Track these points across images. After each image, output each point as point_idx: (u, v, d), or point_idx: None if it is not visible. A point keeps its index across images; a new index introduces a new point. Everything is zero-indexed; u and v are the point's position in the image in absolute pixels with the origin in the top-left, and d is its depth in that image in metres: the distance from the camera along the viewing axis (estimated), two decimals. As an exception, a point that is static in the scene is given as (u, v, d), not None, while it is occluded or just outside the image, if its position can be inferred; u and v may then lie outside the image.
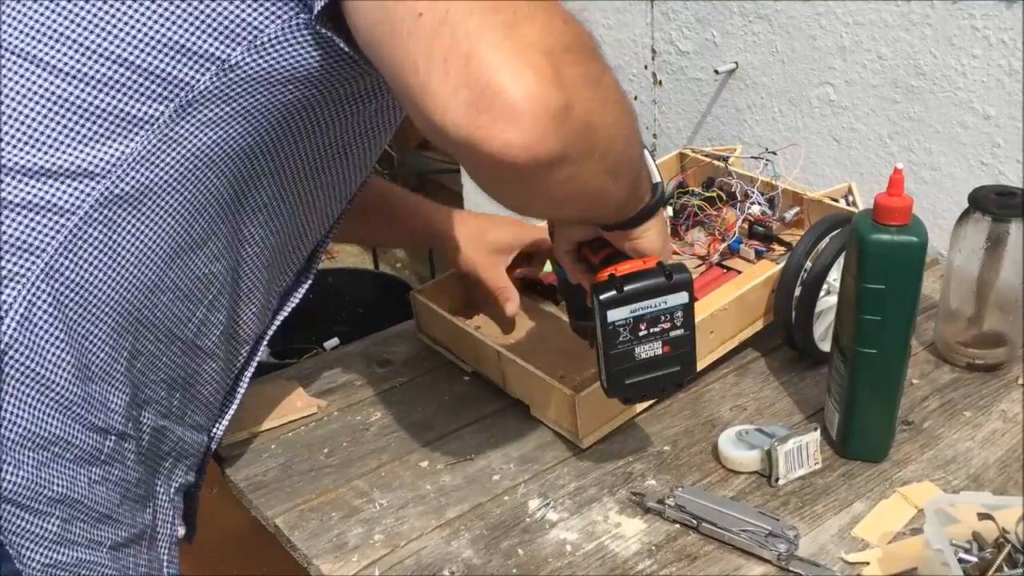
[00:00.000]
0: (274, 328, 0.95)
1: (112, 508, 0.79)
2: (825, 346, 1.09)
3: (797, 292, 1.08)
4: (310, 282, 0.95)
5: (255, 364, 0.96)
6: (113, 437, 0.78)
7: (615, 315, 0.84)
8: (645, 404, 1.06)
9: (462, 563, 0.89)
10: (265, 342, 0.95)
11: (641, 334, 0.86)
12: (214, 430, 0.94)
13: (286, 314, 0.95)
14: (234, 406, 0.95)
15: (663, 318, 0.86)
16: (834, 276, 1.06)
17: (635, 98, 1.76)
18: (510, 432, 1.05)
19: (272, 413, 1.09)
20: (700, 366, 1.09)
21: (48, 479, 0.73)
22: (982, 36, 1.25)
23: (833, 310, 1.06)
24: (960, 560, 0.77)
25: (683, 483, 0.96)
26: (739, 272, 1.18)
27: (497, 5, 0.60)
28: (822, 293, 1.07)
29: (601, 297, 0.84)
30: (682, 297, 0.86)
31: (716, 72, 1.58)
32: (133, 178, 0.72)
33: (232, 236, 0.81)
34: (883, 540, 0.89)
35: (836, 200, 1.21)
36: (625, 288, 0.83)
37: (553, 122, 0.60)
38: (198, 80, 0.69)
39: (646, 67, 1.72)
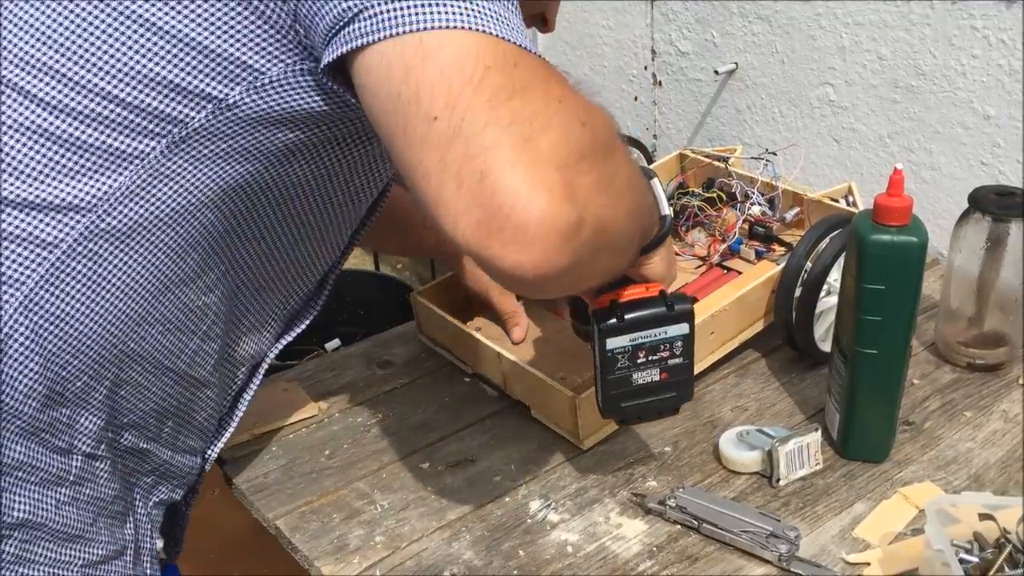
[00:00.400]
0: (276, 351, 0.94)
1: (84, 528, 0.78)
2: (826, 347, 1.09)
3: (797, 293, 1.08)
4: (319, 308, 0.94)
5: (255, 386, 0.95)
6: (79, 457, 0.77)
7: (614, 343, 0.84)
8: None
9: (463, 564, 0.89)
10: (266, 365, 0.94)
11: (639, 361, 0.85)
12: (208, 452, 0.94)
13: (291, 338, 0.94)
14: (231, 430, 0.94)
15: (662, 347, 0.85)
16: (834, 276, 1.06)
17: (635, 99, 1.77)
18: (511, 433, 1.05)
19: (273, 415, 1.09)
20: (701, 367, 1.10)
21: (10, 504, 0.72)
22: (982, 36, 1.25)
23: (833, 310, 1.06)
24: (961, 560, 0.77)
25: (684, 484, 0.96)
26: (739, 273, 1.19)
27: (514, 116, 0.59)
28: (822, 293, 1.07)
29: (601, 325, 0.83)
30: (683, 328, 0.85)
31: (716, 73, 1.58)
32: (121, 212, 0.70)
33: (227, 268, 0.80)
34: (884, 540, 0.89)
35: (836, 200, 1.21)
36: (626, 317, 0.83)
37: (564, 241, 0.59)
38: (192, 118, 0.68)
39: (646, 68, 1.72)
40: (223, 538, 1.28)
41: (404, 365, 1.19)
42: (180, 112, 0.68)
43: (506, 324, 1.15)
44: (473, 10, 0.60)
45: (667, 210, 0.83)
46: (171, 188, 0.71)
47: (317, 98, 0.69)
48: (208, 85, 0.67)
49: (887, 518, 0.91)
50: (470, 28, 0.59)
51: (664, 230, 0.82)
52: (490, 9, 0.61)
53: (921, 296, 0.93)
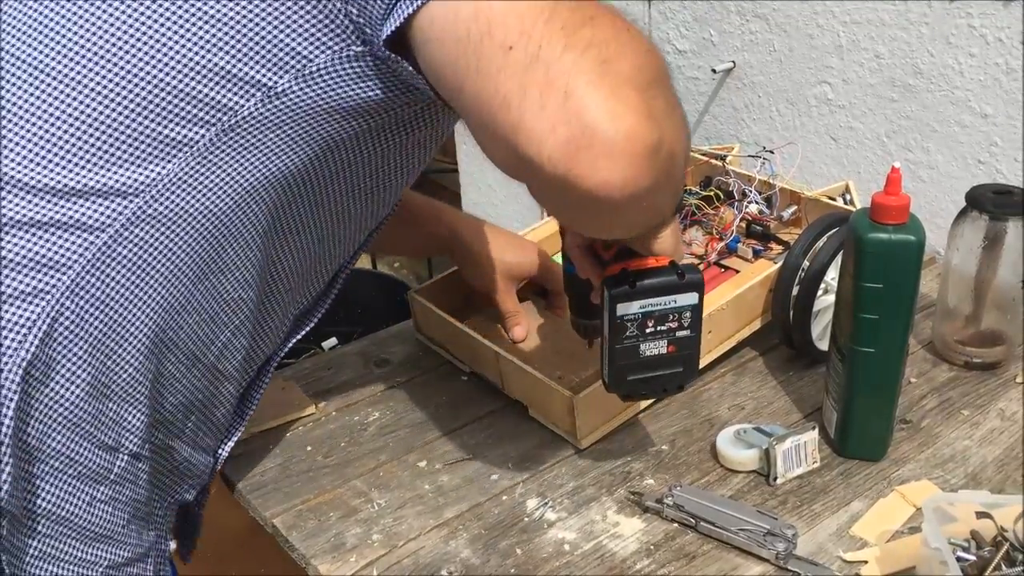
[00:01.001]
0: (285, 350, 0.94)
1: (115, 529, 0.78)
2: (823, 345, 1.09)
3: (795, 291, 1.08)
4: (326, 307, 0.95)
5: (265, 385, 0.95)
6: (125, 456, 0.77)
7: (624, 309, 0.84)
8: (644, 404, 1.06)
9: (460, 563, 0.89)
10: (275, 365, 0.95)
11: (648, 331, 0.86)
12: (220, 451, 0.93)
13: (299, 337, 0.95)
14: (241, 429, 0.94)
15: (671, 317, 0.86)
16: (832, 275, 1.06)
17: (633, 97, 1.76)
18: (508, 432, 1.05)
19: (270, 413, 1.09)
20: (699, 366, 1.10)
21: (36, 492, 0.72)
22: (979, 35, 1.25)
23: (831, 309, 1.06)
24: (958, 559, 0.77)
25: (681, 482, 0.96)
26: (737, 271, 1.18)
27: (589, 42, 0.60)
28: (820, 292, 1.07)
29: (612, 291, 0.84)
30: (692, 298, 0.86)
31: (713, 71, 1.58)
32: (168, 199, 0.71)
33: (264, 263, 0.80)
34: (881, 539, 0.89)
35: (834, 199, 1.21)
36: (637, 283, 0.83)
37: (648, 158, 0.61)
38: (242, 106, 0.69)
39: (644, 66, 1.72)
40: (220, 537, 1.27)
41: (401, 364, 1.18)
42: (230, 100, 0.69)
43: (507, 323, 1.15)
44: None
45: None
46: (218, 177, 0.72)
47: (363, 85, 0.70)
48: (257, 72, 0.68)
49: (884, 516, 0.91)
50: None
51: (679, 204, 0.83)
52: None
53: (919, 295, 0.93)
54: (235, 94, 0.69)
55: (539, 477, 0.99)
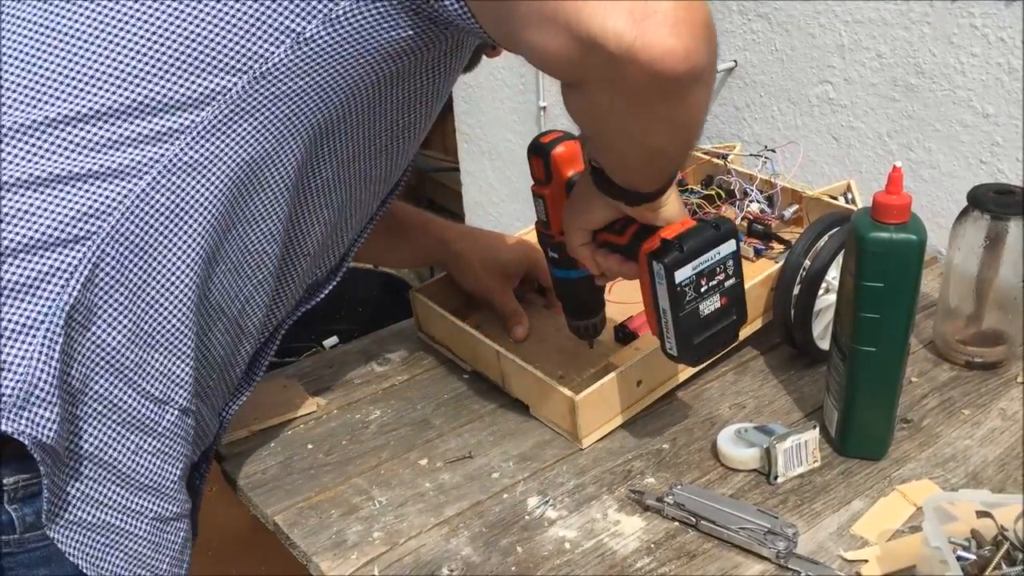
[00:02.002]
0: (295, 318, 0.96)
1: (162, 482, 0.78)
2: (824, 344, 1.09)
3: (796, 290, 1.08)
4: (338, 279, 0.96)
5: (273, 350, 0.95)
6: (175, 411, 0.78)
7: (681, 275, 0.86)
8: (643, 404, 1.06)
9: (461, 561, 0.89)
10: (283, 332, 0.95)
11: (703, 289, 0.88)
12: (225, 414, 0.93)
13: (309, 307, 0.96)
14: (248, 392, 0.94)
15: (718, 269, 0.88)
16: (833, 274, 1.06)
17: (634, 96, 1.77)
18: (509, 430, 1.05)
19: (272, 411, 1.09)
20: (699, 365, 1.10)
21: (80, 433, 0.73)
22: (981, 34, 1.25)
23: (832, 308, 1.06)
24: (959, 558, 0.77)
25: (682, 481, 0.96)
26: (738, 270, 1.18)
27: None
28: (821, 291, 1.07)
29: (666, 260, 0.85)
30: (731, 245, 0.89)
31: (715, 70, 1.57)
32: (203, 147, 0.73)
33: (288, 219, 0.82)
34: (882, 538, 0.89)
35: (835, 198, 1.21)
36: (685, 246, 0.85)
37: (705, 32, 0.64)
38: (272, 53, 0.71)
39: (645, 65, 1.72)
40: (222, 534, 1.28)
41: (403, 362, 1.19)
42: (260, 48, 0.71)
43: (508, 323, 1.15)
44: None
45: None
46: (251, 124, 0.73)
47: (387, 26, 0.72)
48: (286, 19, 0.70)
49: (885, 515, 0.91)
50: None
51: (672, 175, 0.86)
52: None
53: (920, 294, 0.93)
54: (265, 41, 0.71)
55: (540, 475, 0.99)
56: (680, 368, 1.08)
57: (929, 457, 0.99)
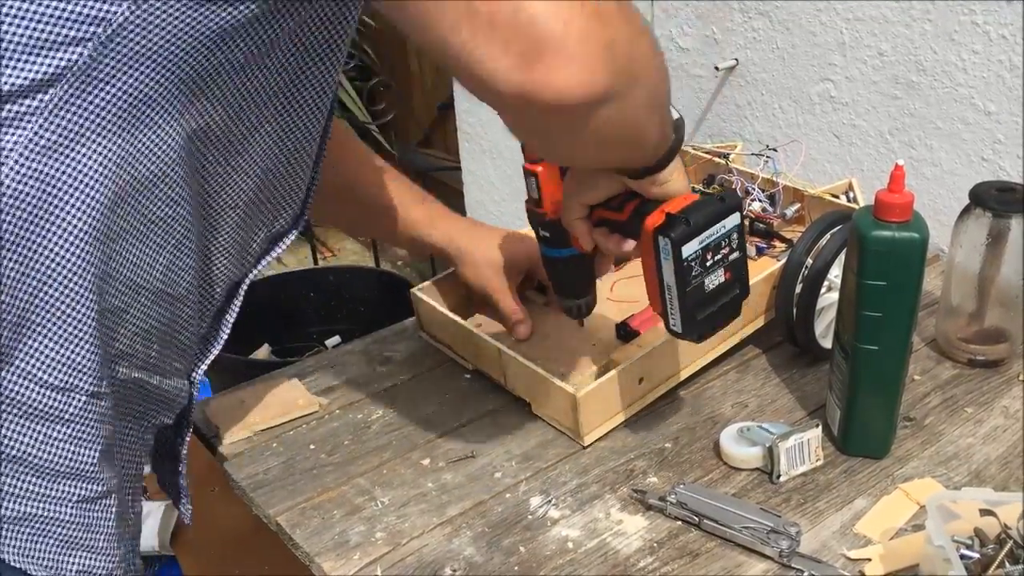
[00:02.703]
0: (256, 271, 0.92)
1: (83, 466, 0.76)
2: (826, 343, 1.09)
3: (798, 289, 1.07)
4: (301, 229, 0.92)
5: (237, 306, 0.92)
6: (81, 396, 0.75)
7: (688, 249, 0.85)
8: (646, 401, 1.06)
9: (464, 561, 0.89)
10: (246, 284, 0.91)
11: (708, 264, 0.87)
12: (193, 374, 0.91)
13: (272, 257, 0.92)
14: (215, 350, 0.91)
15: (723, 243, 0.88)
16: (835, 273, 1.06)
17: (635, 95, 1.77)
18: (511, 429, 1.05)
19: (273, 411, 1.09)
20: (700, 364, 1.10)
21: None
22: (983, 32, 1.25)
23: (834, 307, 1.06)
24: (962, 556, 0.77)
25: (685, 480, 0.96)
26: (740, 269, 1.18)
27: None
28: (823, 290, 1.07)
29: (673, 234, 0.84)
30: (735, 218, 0.88)
31: (716, 69, 1.57)
32: (59, 125, 0.67)
33: (192, 177, 0.76)
34: (885, 536, 0.89)
35: (837, 196, 1.21)
36: (691, 220, 0.84)
37: (603, 55, 0.62)
38: (114, 13, 0.65)
39: (646, 64, 1.72)
40: (223, 535, 1.28)
41: (404, 362, 1.19)
42: (100, 9, 0.65)
43: (511, 322, 1.15)
44: None
45: (677, 113, 0.83)
46: (108, 93, 0.68)
47: None
48: None
49: (888, 514, 0.91)
50: None
51: (679, 136, 0.83)
52: None
53: (922, 292, 0.93)
54: (104, 2, 0.64)
55: (542, 475, 0.99)
56: (682, 365, 1.08)
57: (932, 455, 0.99)
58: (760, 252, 1.20)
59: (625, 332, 1.12)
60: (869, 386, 0.95)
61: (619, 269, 1.26)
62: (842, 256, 1.03)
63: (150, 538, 1.57)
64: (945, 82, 1.31)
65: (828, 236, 1.07)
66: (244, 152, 0.80)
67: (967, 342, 1.13)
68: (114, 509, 0.80)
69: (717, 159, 1.30)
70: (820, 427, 0.98)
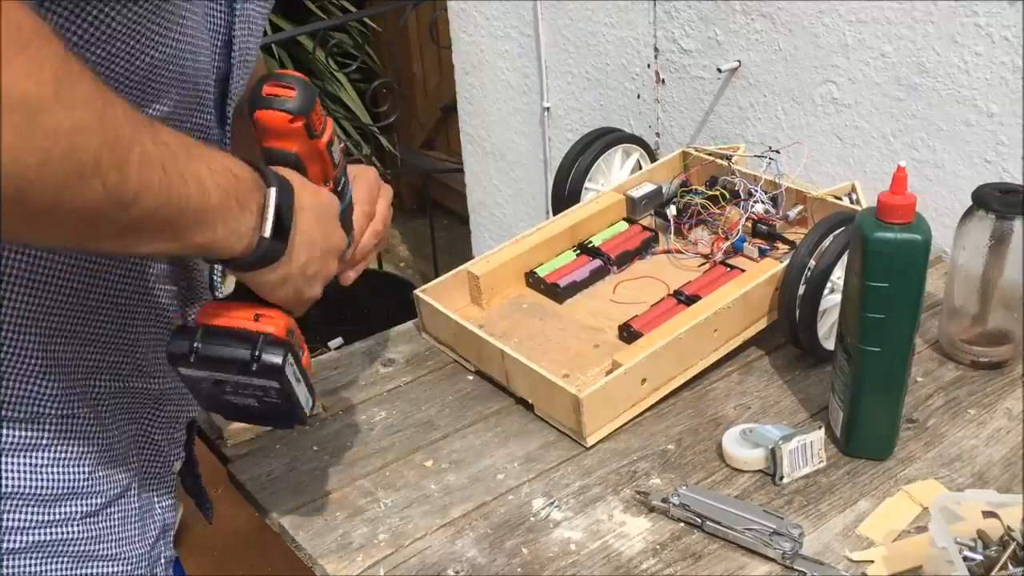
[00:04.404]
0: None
1: (76, 483, 0.75)
2: (829, 344, 1.09)
3: (801, 290, 1.07)
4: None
5: (218, 278, 0.87)
6: (52, 421, 0.73)
7: (188, 372, 0.73)
8: (649, 402, 1.06)
9: (467, 562, 0.89)
10: (219, 272, 0.86)
11: (227, 390, 0.75)
12: (189, 314, 0.84)
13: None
14: (218, 285, 0.85)
15: (250, 389, 0.74)
16: (838, 274, 1.06)
17: (637, 97, 1.77)
18: (514, 431, 1.05)
19: (276, 413, 1.09)
20: (703, 366, 1.10)
21: None
22: (985, 33, 1.25)
23: (837, 308, 1.06)
24: (965, 558, 0.77)
25: (687, 482, 0.96)
26: (743, 270, 1.19)
27: None
28: (826, 291, 1.07)
29: (168, 347, 0.72)
30: (272, 383, 0.73)
31: (719, 70, 1.57)
32: None
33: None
34: (888, 538, 0.89)
35: (839, 198, 1.21)
36: (201, 351, 0.72)
37: None
38: None
39: (649, 66, 1.72)
40: (227, 536, 1.28)
41: (407, 363, 1.19)
42: None
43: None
44: None
45: (268, 232, 0.69)
46: None
47: None
48: None
49: (891, 516, 0.91)
50: None
51: (261, 251, 0.69)
52: None
53: (925, 294, 0.93)
54: None
55: (545, 477, 0.99)
56: (685, 367, 1.08)
57: (935, 457, 0.99)
58: (763, 254, 1.20)
59: (628, 333, 1.13)
60: (872, 388, 0.95)
61: (622, 271, 1.26)
62: (845, 258, 1.03)
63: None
64: (948, 84, 1.31)
65: (831, 238, 1.07)
66: (105, 39, 0.65)
67: (970, 344, 1.13)
68: (117, 516, 0.80)
69: (720, 161, 1.30)
70: (823, 429, 0.98)
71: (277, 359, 0.72)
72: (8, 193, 0.52)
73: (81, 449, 0.77)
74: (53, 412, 0.75)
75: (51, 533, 0.75)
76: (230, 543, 1.30)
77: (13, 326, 0.70)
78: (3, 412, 0.72)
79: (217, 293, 0.88)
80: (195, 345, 0.72)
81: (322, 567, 0.89)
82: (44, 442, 0.74)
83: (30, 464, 0.74)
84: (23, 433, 0.73)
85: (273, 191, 0.69)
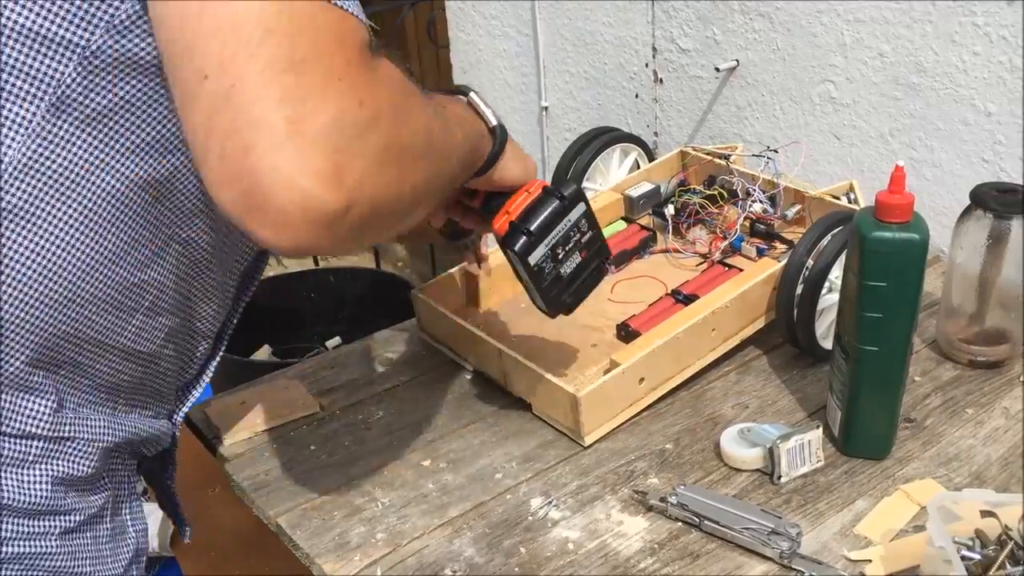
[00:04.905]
0: (238, 315, 0.90)
1: (56, 502, 0.76)
2: (827, 344, 1.09)
3: (799, 290, 1.07)
4: (268, 258, 0.90)
5: (221, 352, 0.91)
6: (41, 440, 0.74)
7: (535, 257, 0.88)
8: (646, 402, 1.06)
9: (464, 562, 0.89)
10: (230, 330, 0.90)
11: (560, 256, 0.90)
12: (176, 417, 0.90)
13: (248, 298, 0.89)
14: (197, 393, 0.90)
15: (572, 233, 0.91)
16: (836, 274, 1.06)
17: (636, 96, 1.77)
18: (512, 430, 1.05)
19: (274, 412, 1.09)
20: (701, 365, 1.10)
21: None
22: (983, 33, 1.25)
23: (835, 308, 1.06)
24: (963, 558, 0.77)
25: (685, 481, 0.96)
26: (741, 270, 1.18)
27: (285, 93, 0.56)
28: (824, 291, 1.07)
29: (516, 249, 0.87)
30: (580, 208, 0.90)
31: (717, 70, 1.57)
32: (18, 188, 0.65)
33: (163, 242, 0.75)
34: (886, 538, 0.89)
35: (837, 198, 1.21)
36: (532, 228, 0.87)
37: (325, 228, 0.58)
38: (62, 72, 0.63)
39: (647, 65, 1.72)
40: (224, 536, 1.28)
41: (405, 363, 1.19)
42: (49, 67, 0.63)
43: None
44: None
45: (494, 120, 0.85)
46: (64, 157, 0.66)
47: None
48: (68, 31, 0.63)
49: (889, 515, 0.91)
50: None
51: (497, 142, 0.85)
52: None
53: (923, 293, 0.93)
54: (51, 58, 0.63)
55: (543, 476, 0.99)
56: (683, 366, 1.08)
57: (933, 456, 0.99)
58: (761, 253, 1.20)
59: (626, 332, 1.13)
60: (870, 387, 0.95)
61: (619, 270, 1.26)
62: (843, 257, 1.03)
63: (150, 539, 1.57)
64: (946, 83, 1.31)
65: (829, 237, 1.07)
66: (210, 202, 0.73)
67: (968, 343, 1.13)
68: (92, 536, 0.80)
69: (718, 160, 1.30)
70: (821, 428, 0.98)
71: (575, 186, 0.90)
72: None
73: (65, 470, 0.77)
74: (43, 433, 0.75)
75: (30, 546, 0.75)
76: (227, 543, 1.29)
77: (22, 342, 0.72)
78: (3, 428, 0.73)
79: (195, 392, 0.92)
80: (525, 228, 0.87)
81: (319, 566, 0.89)
82: (30, 459, 0.74)
83: (16, 479, 0.74)
84: (13, 448, 0.73)
85: (473, 95, 0.86)
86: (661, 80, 1.72)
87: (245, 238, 0.81)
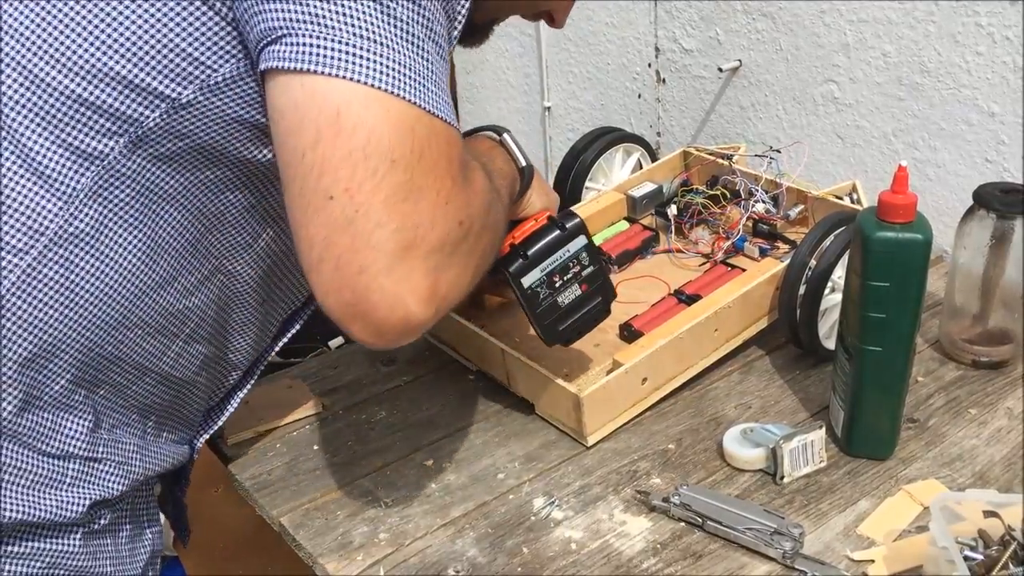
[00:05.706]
0: (275, 351, 0.95)
1: (81, 518, 0.78)
2: (830, 344, 1.09)
3: (802, 290, 1.07)
4: (314, 306, 0.93)
5: (251, 384, 0.95)
6: (78, 461, 0.77)
7: (529, 279, 0.92)
8: (649, 402, 1.06)
9: (467, 562, 0.89)
10: (262, 366, 0.95)
11: (558, 285, 0.94)
12: (196, 441, 0.94)
13: (288, 337, 0.95)
14: (221, 421, 0.94)
15: (571, 264, 0.94)
16: (839, 274, 1.06)
17: (638, 96, 1.77)
18: (515, 431, 1.05)
19: (277, 412, 1.09)
20: (703, 365, 1.10)
21: (3, 505, 0.73)
22: (986, 33, 1.25)
23: (838, 308, 1.06)
24: (966, 558, 0.77)
25: (688, 481, 0.96)
26: (743, 270, 1.18)
27: (402, 221, 0.63)
28: (827, 291, 1.07)
29: (511, 268, 0.91)
30: (580, 241, 0.94)
31: (720, 70, 1.57)
32: (86, 215, 0.70)
33: (210, 271, 0.79)
34: (889, 538, 0.89)
35: (840, 198, 1.21)
36: (528, 253, 0.91)
37: (415, 333, 0.67)
38: (147, 116, 0.68)
39: (649, 65, 1.72)
40: (227, 535, 1.28)
41: (408, 362, 1.19)
42: (135, 111, 0.67)
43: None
44: (395, 69, 0.62)
45: (524, 162, 0.91)
46: (132, 188, 0.70)
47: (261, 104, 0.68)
48: (161, 83, 0.66)
49: (891, 515, 0.91)
50: (391, 92, 0.62)
51: (525, 182, 0.91)
52: (418, 65, 0.63)
53: (925, 293, 0.93)
54: (139, 104, 0.67)
55: (546, 476, 0.99)
56: (685, 366, 1.08)
57: (936, 457, 0.99)
58: (763, 253, 1.20)
59: (629, 333, 1.13)
60: (873, 387, 0.95)
61: (622, 271, 1.26)
62: (846, 257, 1.03)
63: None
64: (949, 83, 1.31)
65: (832, 237, 1.07)
66: (271, 251, 0.82)
67: (971, 343, 1.13)
68: (120, 535, 0.82)
69: (721, 160, 1.30)
70: (823, 428, 0.98)
71: (577, 219, 0.94)
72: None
73: (92, 492, 0.79)
74: (79, 453, 0.77)
75: (54, 543, 0.76)
76: (230, 543, 1.30)
77: (73, 362, 0.75)
78: (28, 439, 0.74)
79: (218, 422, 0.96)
80: (522, 252, 0.92)
81: (322, 566, 0.89)
82: (68, 480, 0.77)
83: (45, 498, 0.76)
84: (47, 466, 0.75)
85: (506, 136, 0.92)
86: (664, 80, 1.71)
87: (298, 286, 0.88)
